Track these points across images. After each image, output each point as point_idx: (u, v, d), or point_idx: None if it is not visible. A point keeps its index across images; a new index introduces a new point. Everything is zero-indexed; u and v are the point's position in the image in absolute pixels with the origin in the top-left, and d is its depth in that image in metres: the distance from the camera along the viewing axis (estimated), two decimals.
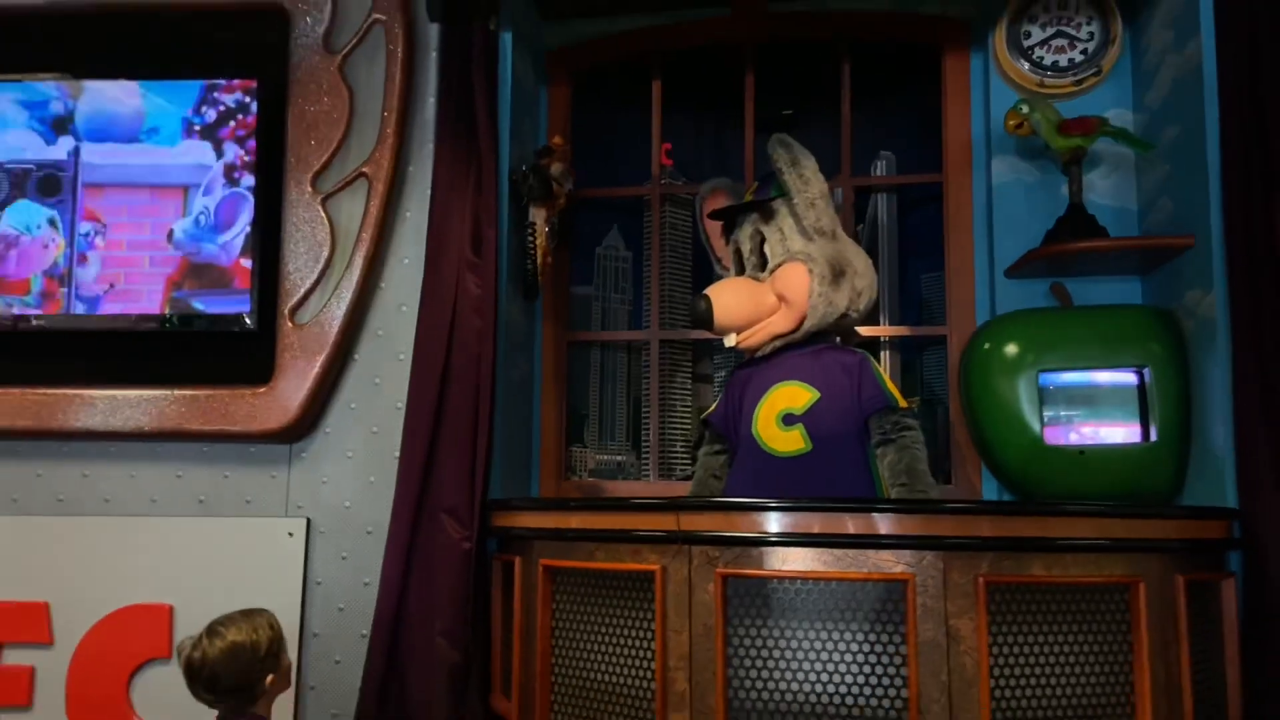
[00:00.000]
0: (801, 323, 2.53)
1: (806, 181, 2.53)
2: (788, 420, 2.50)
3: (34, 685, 2.66)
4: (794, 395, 2.52)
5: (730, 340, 2.60)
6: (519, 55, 2.95)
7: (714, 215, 2.77)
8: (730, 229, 2.76)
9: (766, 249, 2.60)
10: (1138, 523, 1.99)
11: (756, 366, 2.63)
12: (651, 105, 3.30)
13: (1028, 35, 2.85)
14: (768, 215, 2.61)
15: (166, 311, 2.76)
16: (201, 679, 1.98)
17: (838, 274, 2.51)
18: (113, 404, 2.72)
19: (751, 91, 3.25)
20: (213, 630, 2.02)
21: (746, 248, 2.67)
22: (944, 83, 3.06)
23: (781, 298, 2.54)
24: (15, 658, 2.67)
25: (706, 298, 2.56)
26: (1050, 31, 2.84)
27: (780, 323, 2.56)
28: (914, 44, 3.13)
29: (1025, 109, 2.69)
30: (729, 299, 2.56)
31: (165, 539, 2.70)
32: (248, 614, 2.07)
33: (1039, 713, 1.87)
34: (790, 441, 2.49)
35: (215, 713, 2.03)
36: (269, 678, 2.03)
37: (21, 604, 2.68)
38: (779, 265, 2.54)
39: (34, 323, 2.79)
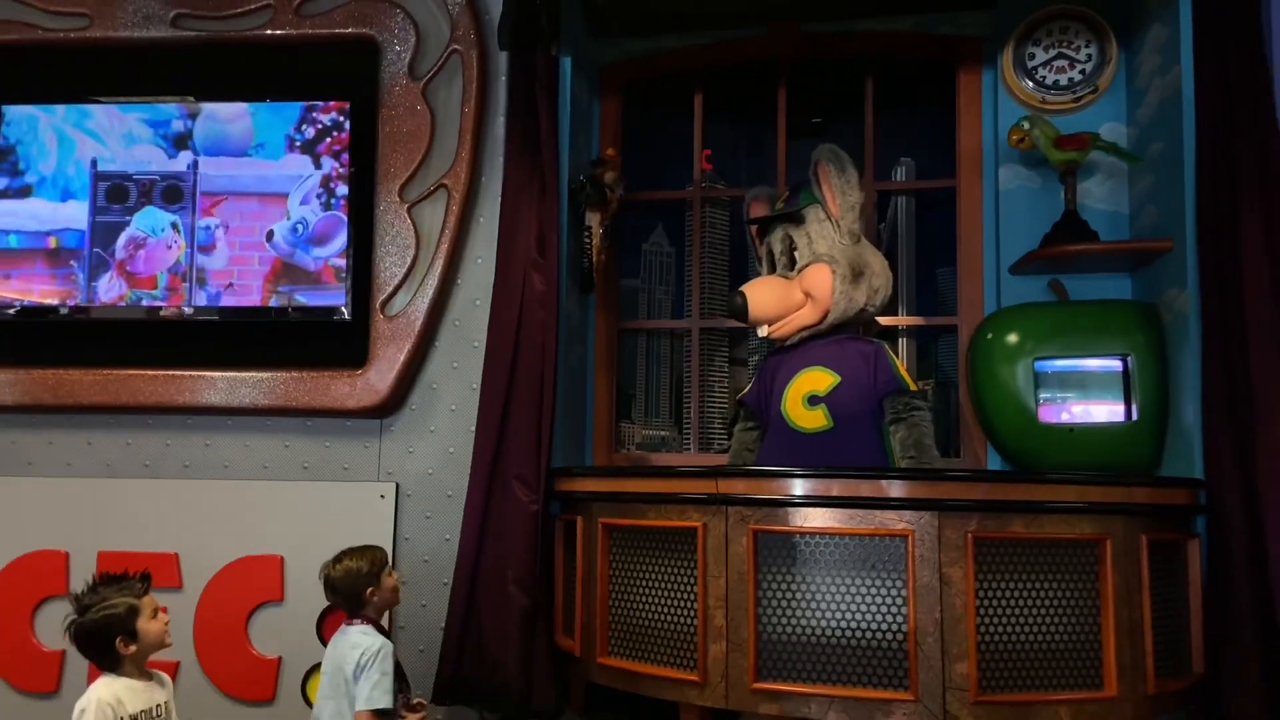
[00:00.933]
0: (825, 316, 2.90)
1: (851, 187, 2.90)
2: (812, 401, 2.88)
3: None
4: (818, 379, 2.90)
5: (763, 331, 2.98)
6: (576, 75, 3.31)
7: (750, 222, 3.14)
8: (764, 234, 3.12)
9: (795, 252, 2.97)
10: (1105, 489, 2.35)
11: (786, 354, 3.01)
12: (694, 116, 3.65)
13: (1032, 56, 3.17)
14: (797, 221, 2.97)
15: (273, 304, 3.20)
16: (329, 588, 2.52)
17: (857, 274, 2.88)
18: (230, 384, 3.17)
19: (784, 103, 3.59)
20: (338, 557, 2.53)
21: (777, 249, 3.04)
22: (958, 97, 3.38)
23: (808, 294, 2.91)
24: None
25: (742, 294, 2.94)
26: (1052, 53, 3.16)
27: (807, 316, 2.93)
28: (931, 61, 3.45)
29: (1027, 125, 3.02)
30: (761, 295, 2.93)
31: (276, 500, 3.15)
32: (361, 549, 2.55)
33: (1017, 645, 2.25)
34: (814, 419, 2.87)
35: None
36: (369, 590, 2.48)
37: (155, 554, 3.14)
38: (806, 266, 2.91)
39: (160, 315, 3.24)
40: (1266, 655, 2.43)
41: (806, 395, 2.89)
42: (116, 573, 2.27)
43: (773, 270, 3.07)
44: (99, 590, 2.19)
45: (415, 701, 2.57)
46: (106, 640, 2.14)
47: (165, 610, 2.27)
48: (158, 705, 2.22)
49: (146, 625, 2.18)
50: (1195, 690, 2.49)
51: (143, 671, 2.22)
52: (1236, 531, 2.50)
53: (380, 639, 2.47)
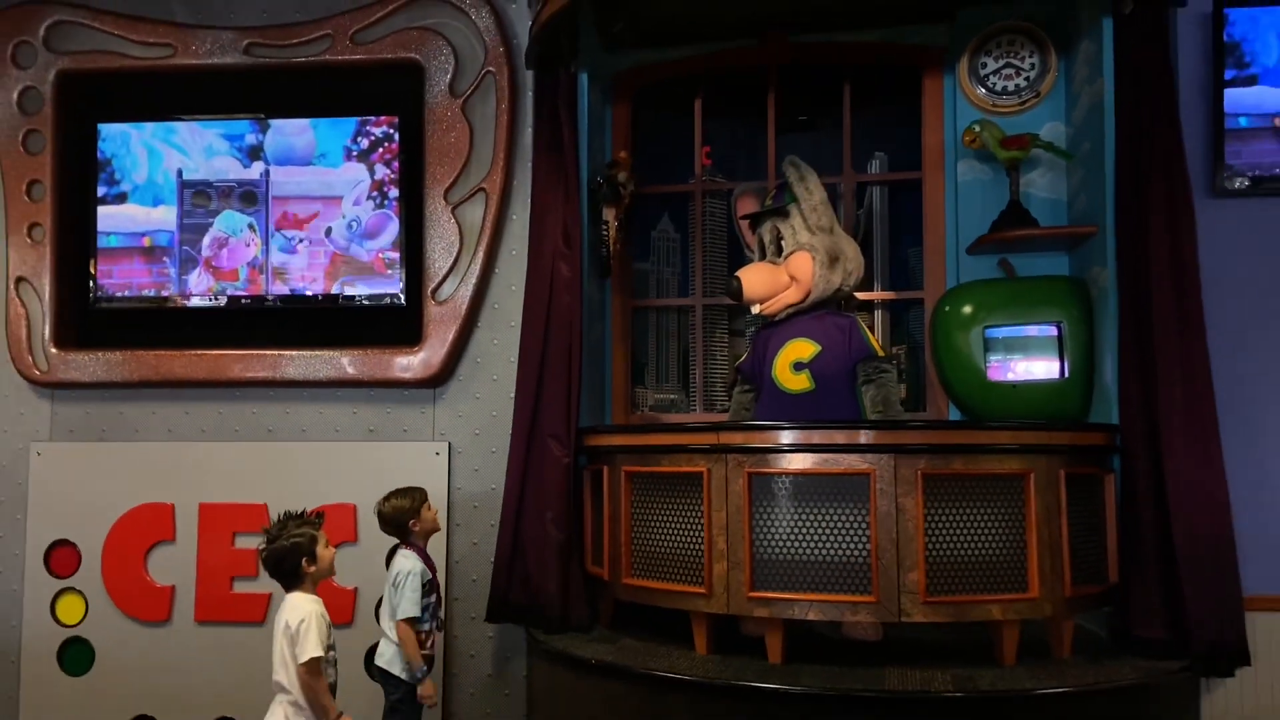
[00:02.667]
0: (807, 296, 3.43)
1: (810, 191, 3.43)
2: (797, 367, 3.41)
3: (258, 563, 3.71)
4: (802, 349, 3.42)
5: (756, 309, 3.51)
6: (592, 87, 3.81)
7: (744, 218, 3.67)
8: (754, 226, 3.65)
9: (783, 241, 3.50)
10: (1028, 434, 2.90)
11: (775, 327, 3.54)
12: (694, 117, 4.16)
13: (984, 66, 3.68)
14: (783, 216, 3.49)
15: (336, 292, 3.76)
16: (381, 520, 3.16)
17: (834, 260, 3.41)
18: (305, 361, 3.74)
19: (774, 104, 4.08)
20: (386, 497, 3.15)
21: (766, 239, 3.57)
22: (923, 99, 3.88)
23: (793, 278, 3.44)
24: (244, 543, 3.74)
25: (738, 278, 3.46)
26: (1001, 63, 3.67)
27: (792, 295, 3.45)
28: (900, 68, 3.94)
29: (977, 128, 3.54)
30: (754, 278, 3.46)
31: (347, 458, 3.74)
32: (406, 489, 3.18)
33: (958, 558, 2.80)
34: (799, 382, 3.41)
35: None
36: (412, 521, 3.08)
37: (247, 505, 3.73)
38: (790, 254, 3.45)
39: (242, 302, 3.81)
40: (1164, 566, 2.98)
41: (793, 362, 3.42)
42: (295, 511, 2.84)
43: (763, 257, 3.60)
44: (285, 524, 2.78)
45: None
46: (293, 563, 2.74)
47: (336, 546, 2.90)
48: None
49: (323, 551, 2.79)
50: (1110, 594, 3.07)
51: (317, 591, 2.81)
52: (1141, 468, 3.04)
53: (417, 563, 3.08)
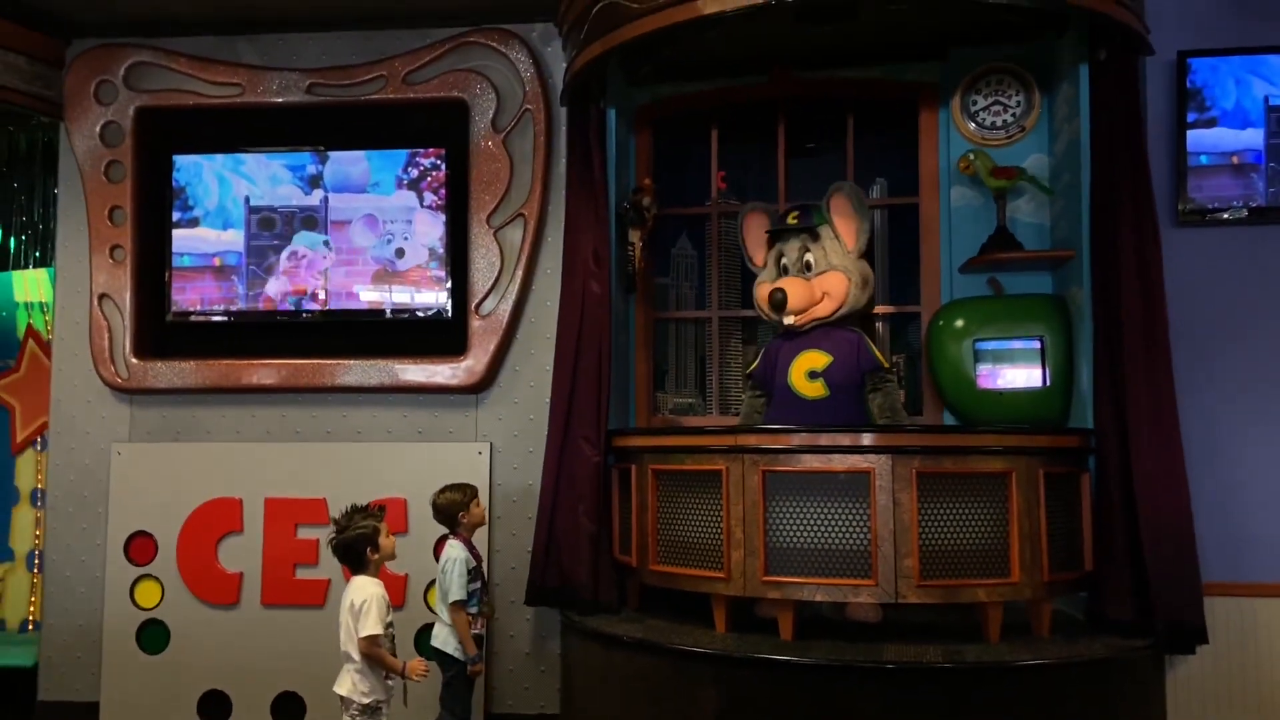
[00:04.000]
0: (836, 311, 3.75)
1: (864, 220, 3.78)
2: (812, 375, 3.74)
3: (319, 552, 4.09)
4: (816, 359, 3.76)
5: (790, 319, 3.77)
6: (617, 118, 4.18)
7: (772, 233, 3.93)
8: (775, 240, 3.92)
9: (809, 258, 3.81)
10: (1010, 437, 3.29)
11: (786, 339, 3.88)
12: (710, 144, 4.53)
13: (974, 103, 4.06)
14: (814, 236, 3.83)
15: (390, 306, 4.14)
16: (435, 510, 3.55)
17: (865, 282, 3.78)
18: (361, 368, 4.13)
19: (784, 133, 4.44)
20: (442, 490, 3.55)
21: (792, 257, 3.83)
22: (919, 130, 4.25)
23: (825, 294, 3.75)
24: (306, 534, 4.13)
25: (783, 290, 3.72)
26: (990, 100, 4.04)
27: (823, 309, 3.76)
28: (898, 101, 4.31)
29: (971, 157, 3.91)
30: (796, 292, 3.74)
31: (398, 457, 4.13)
32: (459, 484, 3.58)
33: (948, 546, 3.17)
34: (815, 389, 3.73)
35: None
36: (461, 514, 3.50)
37: (308, 500, 4.12)
38: (823, 272, 3.75)
39: (303, 316, 4.20)
40: (1132, 555, 3.33)
41: (807, 371, 3.75)
42: (361, 504, 3.22)
43: (782, 273, 3.87)
44: (352, 516, 3.16)
45: (485, 609, 3.56)
46: (359, 550, 3.13)
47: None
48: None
49: (385, 541, 3.18)
50: (1085, 580, 3.43)
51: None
52: (1113, 467, 3.39)
53: (462, 551, 3.47)
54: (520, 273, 4.05)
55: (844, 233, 3.80)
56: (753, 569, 3.26)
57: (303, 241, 4.20)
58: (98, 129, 4.28)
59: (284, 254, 4.21)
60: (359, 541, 3.15)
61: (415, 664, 3.18)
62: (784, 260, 3.90)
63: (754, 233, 4.07)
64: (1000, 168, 3.87)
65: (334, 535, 3.18)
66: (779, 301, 3.75)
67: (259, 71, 4.19)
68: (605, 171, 3.95)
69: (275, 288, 4.21)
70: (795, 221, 3.88)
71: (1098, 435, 3.49)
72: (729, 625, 3.38)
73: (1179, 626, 3.26)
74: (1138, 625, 3.30)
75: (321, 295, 4.19)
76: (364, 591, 3.10)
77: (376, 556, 3.17)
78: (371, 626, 3.05)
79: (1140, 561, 3.29)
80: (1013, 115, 4.03)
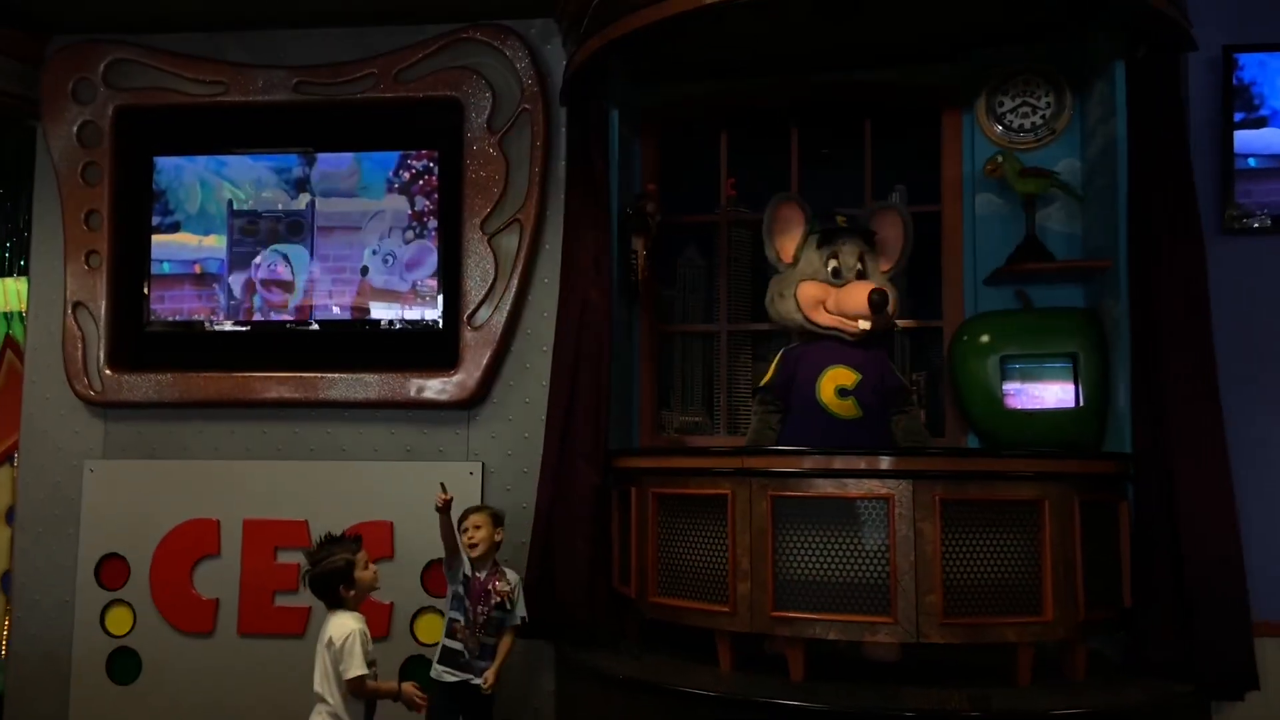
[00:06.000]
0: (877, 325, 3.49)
1: (908, 243, 3.57)
2: (842, 393, 3.47)
3: (299, 579, 3.85)
4: (844, 375, 3.47)
5: (864, 325, 3.45)
6: (621, 121, 3.95)
7: (824, 231, 3.61)
8: (827, 241, 3.61)
9: (864, 266, 3.55)
10: (1041, 462, 3.02)
11: (807, 350, 3.59)
12: (720, 150, 4.31)
13: (1001, 104, 3.82)
14: (869, 243, 3.60)
15: (377, 316, 3.92)
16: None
17: (897, 300, 3.53)
18: (347, 382, 3.91)
19: (796, 138, 4.22)
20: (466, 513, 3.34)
21: (849, 261, 3.55)
22: (942, 135, 4.01)
23: None
24: (286, 558, 3.88)
25: (883, 292, 3.42)
26: (1018, 101, 3.80)
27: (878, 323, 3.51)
28: (918, 104, 4.07)
29: (999, 159, 3.67)
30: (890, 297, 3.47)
31: (385, 477, 3.89)
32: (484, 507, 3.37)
33: (974, 580, 2.91)
34: (847, 409, 3.43)
35: None
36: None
37: (288, 521, 3.89)
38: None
39: (287, 326, 3.98)
40: (1175, 591, 3.07)
41: (837, 388, 3.46)
42: (336, 534, 2.99)
43: (833, 275, 3.56)
44: (326, 547, 2.93)
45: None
46: (333, 586, 2.89)
47: (374, 562, 2.99)
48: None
49: (361, 574, 2.94)
50: (1124, 618, 3.16)
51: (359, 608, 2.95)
52: (1154, 496, 3.14)
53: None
54: (516, 281, 3.83)
55: (887, 251, 3.57)
56: (760, 603, 3.01)
57: (288, 248, 3.99)
58: (75, 129, 4.08)
59: (268, 261, 4.00)
60: (332, 577, 2.92)
61: (409, 687, 2.99)
62: (835, 263, 3.57)
63: (786, 225, 3.71)
64: (1029, 169, 3.62)
65: (307, 568, 2.96)
66: (877, 303, 3.39)
67: (244, 69, 3.99)
68: (607, 175, 3.75)
69: (258, 297, 3.99)
70: (844, 223, 3.62)
71: (1136, 460, 3.24)
72: (734, 663, 3.13)
73: (1226, 670, 3.03)
74: (1181, 668, 3.06)
75: (306, 305, 3.97)
76: (343, 629, 2.87)
77: (352, 593, 2.93)
78: (357, 667, 2.83)
79: (1183, 598, 3.06)
80: (1042, 117, 3.78)
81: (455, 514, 3.37)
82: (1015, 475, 3.00)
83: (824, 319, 3.53)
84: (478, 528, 3.37)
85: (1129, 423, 3.29)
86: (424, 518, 3.41)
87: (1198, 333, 3.15)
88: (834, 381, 3.47)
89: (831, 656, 3.23)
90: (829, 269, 3.58)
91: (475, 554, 3.36)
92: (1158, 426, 3.17)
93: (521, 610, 3.42)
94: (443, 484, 3.31)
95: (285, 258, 3.99)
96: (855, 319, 3.47)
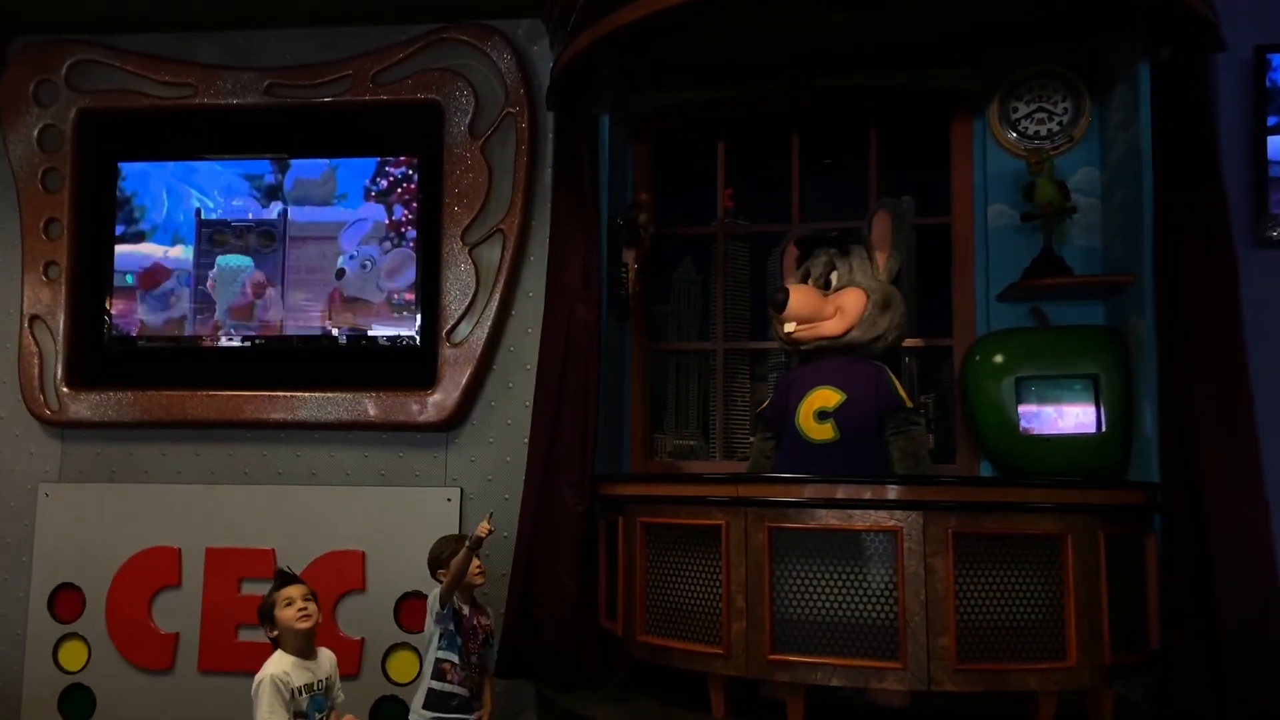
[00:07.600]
0: (847, 332, 3.26)
1: (902, 242, 3.33)
2: (821, 416, 3.28)
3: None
4: (827, 396, 3.29)
5: (791, 327, 3.30)
6: (613, 127, 3.74)
7: (799, 241, 3.49)
8: (806, 257, 3.47)
9: (834, 274, 3.35)
10: (1064, 492, 2.77)
11: (800, 372, 3.41)
12: (717, 159, 4.09)
13: (1015, 110, 3.60)
14: (844, 252, 3.37)
15: (350, 333, 3.69)
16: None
17: (887, 304, 3.28)
18: (317, 403, 3.68)
19: (798, 147, 4.02)
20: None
21: (817, 272, 3.38)
22: (951, 143, 3.79)
23: (839, 309, 3.29)
24: (250, 589, 3.63)
25: (785, 290, 3.28)
26: (1033, 107, 3.58)
27: (831, 328, 3.28)
28: (926, 111, 3.86)
29: (1046, 151, 3.43)
30: (800, 296, 3.28)
31: (357, 503, 3.65)
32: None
33: (991, 622, 2.66)
34: (823, 432, 3.27)
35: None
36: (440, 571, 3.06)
37: (256, 550, 3.65)
38: (843, 287, 3.30)
39: (256, 342, 3.75)
40: (1207, 631, 2.84)
41: (817, 410, 3.28)
42: (284, 568, 2.82)
43: None
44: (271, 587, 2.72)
45: None
46: (265, 626, 2.68)
47: (306, 599, 2.75)
48: (319, 680, 2.73)
49: (281, 614, 2.70)
50: (1151, 662, 2.91)
51: (305, 650, 2.73)
52: (1183, 528, 2.91)
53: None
54: (498, 295, 3.60)
55: (876, 254, 3.35)
56: (756, 644, 2.76)
57: (258, 259, 3.76)
58: (35, 133, 3.88)
59: (238, 273, 3.77)
60: (261, 617, 2.77)
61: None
62: (810, 278, 3.44)
63: (794, 262, 3.60)
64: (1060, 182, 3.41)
65: None
66: (779, 302, 3.28)
67: (214, 70, 3.79)
68: (596, 182, 3.54)
69: (226, 310, 3.76)
70: (834, 234, 3.45)
71: (1164, 490, 2.99)
72: (728, 709, 2.87)
73: (1262, 717, 2.78)
74: (1212, 714, 2.83)
75: (277, 319, 3.74)
76: (261, 672, 2.68)
77: (275, 634, 2.73)
78: (263, 717, 2.63)
79: (1216, 639, 2.82)
80: (1059, 124, 3.56)
81: (430, 542, 3.12)
82: (1035, 506, 2.76)
83: (780, 332, 3.39)
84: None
85: (1156, 448, 3.05)
86: (399, 546, 3.19)
87: (1230, 351, 2.93)
88: (818, 403, 3.25)
89: (834, 702, 2.98)
90: (804, 282, 3.44)
91: (480, 583, 3.14)
92: (1187, 452, 2.94)
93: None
94: (490, 514, 3.08)
95: (256, 269, 3.77)
96: (781, 335, 3.35)
